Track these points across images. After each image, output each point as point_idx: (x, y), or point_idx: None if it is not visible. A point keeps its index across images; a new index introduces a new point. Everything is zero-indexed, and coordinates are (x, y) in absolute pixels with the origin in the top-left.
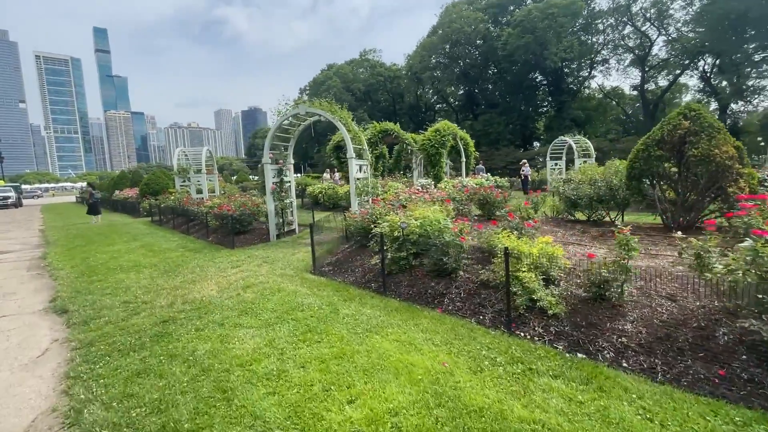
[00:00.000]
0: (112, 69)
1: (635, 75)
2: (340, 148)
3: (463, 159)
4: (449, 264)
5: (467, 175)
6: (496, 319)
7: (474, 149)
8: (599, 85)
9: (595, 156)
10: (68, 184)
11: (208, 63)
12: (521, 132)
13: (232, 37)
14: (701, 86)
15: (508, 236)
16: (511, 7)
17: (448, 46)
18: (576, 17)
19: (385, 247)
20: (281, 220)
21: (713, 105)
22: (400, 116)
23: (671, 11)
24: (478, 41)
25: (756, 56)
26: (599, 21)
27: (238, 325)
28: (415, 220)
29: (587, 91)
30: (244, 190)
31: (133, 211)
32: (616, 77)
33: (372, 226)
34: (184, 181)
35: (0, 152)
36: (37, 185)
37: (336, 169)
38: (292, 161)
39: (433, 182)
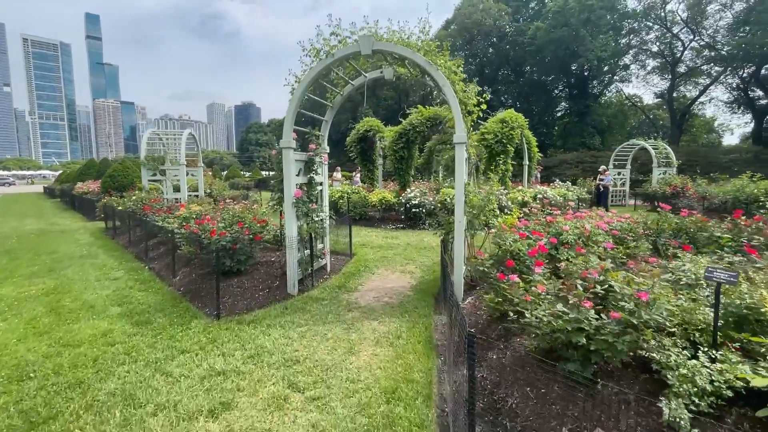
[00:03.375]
0: (103, 57)
1: (656, 82)
2: (364, 139)
3: (526, 162)
4: None
5: (528, 182)
6: None
7: (537, 150)
8: (618, 91)
9: (677, 165)
10: (47, 172)
11: (204, 56)
12: (539, 138)
13: (231, 32)
14: (735, 96)
15: None
16: (533, 3)
17: (460, 42)
18: (613, 12)
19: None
20: (307, 253)
21: (747, 117)
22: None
23: (708, 14)
24: (494, 39)
25: None
26: (626, 21)
27: None
28: None
29: (604, 98)
30: (236, 188)
31: (90, 212)
32: (635, 84)
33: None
34: (154, 175)
35: None
36: (14, 172)
37: (358, 168)
38: (327, 149)
39: (505, 190)
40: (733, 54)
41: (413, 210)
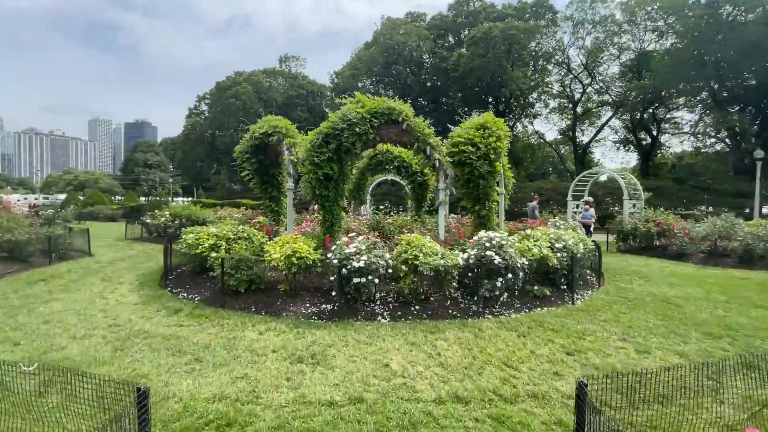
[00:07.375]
0: None
1: (556, 121)
2: (264, 148)
3: (502, 191)
4: None
5: (505, 216)
6: None
7: (511, 174)
8: (525, 126)
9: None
10: None
11: (91, 67)
12: None
13: (129, 45)
14: (622, 137)
15: None
16: (450, 37)
17: (380, 65)
18: (530, 42)
19: None
20: None
21: (635, 155)
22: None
23: (602, 61)
24: (414, 67)
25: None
26: (537, 60)
27: None
28: None
29: (514, 132)
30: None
31: None
32: (542, 120)
33: None
34: None
35: None
36: None
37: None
38: None
39: (504, 232)
40: (619, 100)
41: (354, 280)
